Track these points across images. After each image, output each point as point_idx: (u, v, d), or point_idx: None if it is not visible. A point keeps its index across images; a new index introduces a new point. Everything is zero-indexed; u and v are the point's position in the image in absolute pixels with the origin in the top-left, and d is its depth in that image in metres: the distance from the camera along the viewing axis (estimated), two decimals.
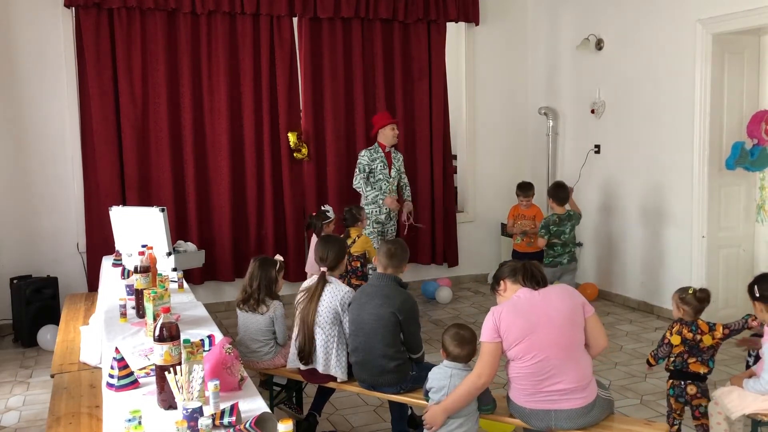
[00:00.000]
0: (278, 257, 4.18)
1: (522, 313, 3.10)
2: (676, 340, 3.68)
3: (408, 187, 6.73)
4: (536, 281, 3.21)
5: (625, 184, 6.77)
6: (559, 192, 5.98)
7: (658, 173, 6.36)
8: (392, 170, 6.40)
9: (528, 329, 3.05)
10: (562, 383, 3.06)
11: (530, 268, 3.24)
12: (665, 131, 6.25)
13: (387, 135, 6.35)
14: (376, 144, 6.41)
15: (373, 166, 6.33)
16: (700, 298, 3.69)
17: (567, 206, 6.01)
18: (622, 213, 6.84)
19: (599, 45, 6.94)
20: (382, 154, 6.36)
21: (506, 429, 3.55)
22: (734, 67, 5.84)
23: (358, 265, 5.64)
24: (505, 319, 3.08)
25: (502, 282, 3.28)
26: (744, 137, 5.74)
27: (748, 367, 3.81)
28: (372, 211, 6.31)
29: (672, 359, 3.71)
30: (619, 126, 6.79)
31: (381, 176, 6.34)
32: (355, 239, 5.83)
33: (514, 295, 3.19)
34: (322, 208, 5.96)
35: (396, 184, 6.51)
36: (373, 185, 6.35)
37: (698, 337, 3.65)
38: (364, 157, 6.36)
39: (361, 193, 6.38)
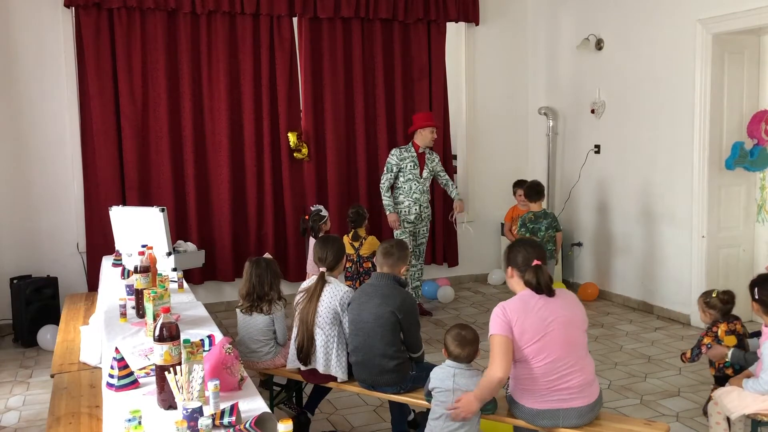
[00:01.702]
0: (268, 255, 4.18)
1: (533, 313, 3.08)
2: (731, 341, 3.69)
3: (451, 185, 6.53)
4: (541, 288, 3.14)
5: (625, 184, 6.76)
6: (532, 189, 6.07)
7: (658, 173, 6.35)
8: (424, 171, 6.29)
9: (542, 329, 3.04)
10: (572, 381, 3.07)
11: (541, 273, 3.14)
12: (665, 131, 6.25)
13: (425, 137, 6.23)
14: (410, 143, 6.33)
15: (402, 166, 6.22)
16: (725, 300, 3.77)
17: (543, 205, 6.11)
18: (622, 213, 6.84)
19: (599, 45, 6.94)
20: (414, 153, 6.25)
21: (506, 429, 3.55)
22: (734, 67, 5.84)
23: (370, 266, 5.64)
24: (515, 316, 3.04)
25: (509, 269, 3.26)
26: (744, 137, 5.75)
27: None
28: (401, 211, 6.26)
29: (724, 362, 3.68)
30: (619, 126, 6.79)
31: (411, 176, 6.22)
32: (362, 241, 5.83)
33: (519, 295, 3.18)
34: (312, 208, 5.94)
35: (428, 185, 6.36)
36: (402, 185, 6.27)
37: (741, 328, 3.74)
38: (393, 156, 6.25)
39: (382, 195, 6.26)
